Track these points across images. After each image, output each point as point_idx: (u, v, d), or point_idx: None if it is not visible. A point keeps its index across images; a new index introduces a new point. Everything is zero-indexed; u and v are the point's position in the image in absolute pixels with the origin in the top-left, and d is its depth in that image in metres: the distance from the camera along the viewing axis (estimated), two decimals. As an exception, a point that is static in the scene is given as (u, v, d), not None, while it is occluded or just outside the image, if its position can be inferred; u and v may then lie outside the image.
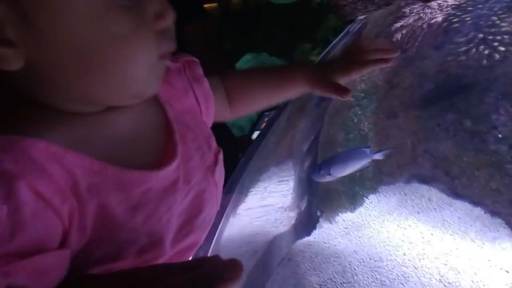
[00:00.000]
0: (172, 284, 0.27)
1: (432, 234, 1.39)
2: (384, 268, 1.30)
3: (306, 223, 1.49)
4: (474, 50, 1.29)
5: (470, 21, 1.32)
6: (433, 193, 1.51)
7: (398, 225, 1.47)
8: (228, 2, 2.41)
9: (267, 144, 1.53)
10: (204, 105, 0.51)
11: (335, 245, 1.40)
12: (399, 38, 1.63)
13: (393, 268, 1.30)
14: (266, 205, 1.38)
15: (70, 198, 0.32)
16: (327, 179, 1.34)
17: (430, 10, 1.51)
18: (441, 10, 1.46)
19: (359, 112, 1.69)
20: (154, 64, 0.36)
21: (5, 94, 0.34)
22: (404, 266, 1.28)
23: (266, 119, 1.97)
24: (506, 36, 1.22)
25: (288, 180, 1.55)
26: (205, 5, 2.31)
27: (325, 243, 1.41)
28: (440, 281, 1.22)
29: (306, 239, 1.42)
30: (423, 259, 1.29)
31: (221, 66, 1.70)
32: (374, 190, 1.59)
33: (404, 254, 1.31)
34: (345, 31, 1.97)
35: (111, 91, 0.35)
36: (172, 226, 0.41)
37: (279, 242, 1.37)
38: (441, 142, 1.46)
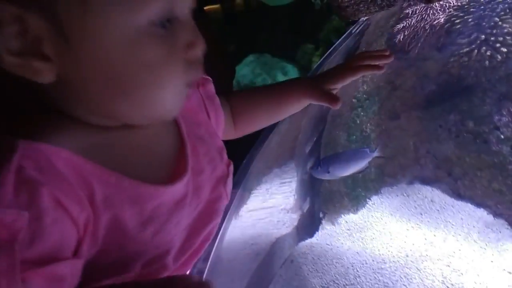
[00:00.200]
0: None
1: (434, 236, 1.39)
2: (387, 270, 1.30)
3: (308, 225, 1.49)
4: (476, 51, 1.29)
5: (472, 22, 1.32)
6: (435, 194, 1.50)
7: (401, 227, 1.47)
8: (231, 4, 2.41)
9: (269, 145, 1.54)
10: (214, 122, 0.51)
11: (337, 247, 1.40)
12: (401, 39, 1.63)
13: (395, 270, 1.30)
14: (268, 207, 1.39)
15: (87, 208, 0.32)
16: (326, 177, 1.34)
17: (432, 11, 1.51)
18: (443, 11, 1.46)
19: (362, 113, 1.70)
20: (180, 91, 0.37)
21: (31, 100, 0.34)
22: (407, 268, 1.29)
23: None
24: (508, 37, 1.22)
25: (290, 181, 1.56)
26: (208, 7, 2.31)
27: (328, 244, 1.41)
28: (443, 282, 1.22)
29: (308, 240, 1.43)
30: (426, 260, 1.29)
31: (223, 68, 1.70)
32: (376, 191, 1.59)
33: (407, 256, 1.31)
34: (347, 32, 1.97)
35: (134, 112, 0.36)
36: (179, 239, 0.41)
37: (281, 244, 1.38)
38: (443, 143, 1.46)
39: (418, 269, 1.28)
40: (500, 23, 1.25)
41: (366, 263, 1.32)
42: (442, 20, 1.42)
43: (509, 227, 1.32)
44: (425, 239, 1.38)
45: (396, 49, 1.63)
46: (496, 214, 1.36)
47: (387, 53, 0.57)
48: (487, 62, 1.28)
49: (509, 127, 1.31)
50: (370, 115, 1.67)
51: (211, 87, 0.52)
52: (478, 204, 1.39)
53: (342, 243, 1.42)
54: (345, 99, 1.64)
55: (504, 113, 1.31)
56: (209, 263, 0.81)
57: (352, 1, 1.93)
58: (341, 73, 0.56)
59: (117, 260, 0.35)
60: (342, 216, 1.51)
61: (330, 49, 1.98)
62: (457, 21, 1.36)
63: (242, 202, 1.25)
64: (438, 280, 1.23)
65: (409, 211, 1.49)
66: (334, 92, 0.57)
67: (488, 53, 1.26)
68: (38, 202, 0.29)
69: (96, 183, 0.33)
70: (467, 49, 1.32)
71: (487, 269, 1.21)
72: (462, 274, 1.22)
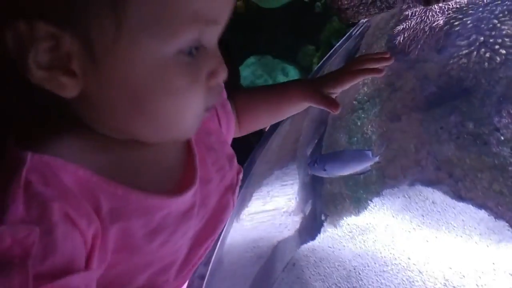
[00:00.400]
0: None
1: (436, 237, 1.39)
2: (389, 273, 1.31)
3: (310, 227, 1.49)
4: (475, 53, 1.29)
5: (471, 24, 1.32)
6: (437, 196, 1.50)
7: (403, 229, 1.47)
8: (231, 6, 2.41)
9: (271, 147, 1.54)
10: (225, 127, 0.52)
11: (339, 250, 1.40)
12: (401, 41, 1.63)
13: (397, 273, 1.30)
14: (269, 210, 1.39)
15: (95, 221, 0.33)
16: (322, 174, 1.34)
17: (431, 13, 1.51)
18: (442, 13, 1.46)
19: (363, 115, 1.70)
20: (199, 115, 0.37)
21: (42, 107, 0.35)
22: (409, 270, 1.29)
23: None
24: (506, 39, 1.22)
25: (292, 184, 1.56)
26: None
27: (330, 247, 1.41)
28: (445, 285, 1.22)
29: (310, 243, 1.43)
30: (428, 262, 1.29)
31: (229, 69, 1.70)
32: (378, 193, 1.59)
33: (409, 258, 1.31)
34: (347, 34, 1.97)
35: (151, 132, 0.36)
36: (184, 250, 0.42)
37: (283, 247, 1.38)
38: (444, 144, 1.46)
39: (420, 272, 1.28)
40: (498, 25, 1.25)
41: (368, 266, 1.32)
42: (441, 22, 1.42)
43: (510, 229, 1.32)
44: (427, 241, 1.38)
45: (396, 51, 1.63)
46: (497, 216, 1.36)
47: (386, 56, 0.56)
48: (486, 64, 1.28)
49: (509, 129, 1.31)
50: (371, 117, 1.67)
51: (223, 93, 0.52)
52: (479, 206, 1.39)
53: (344, 246, 1.42)
54: (345, 101, 1.64)
55: (504, 114, 1.31)
56: (210, 267, 0.81)
57: (352, 3, 1.93)
58: (340, 77, 0.56)
59: (124, 272, 0.35)
60: (344, 218, 1.52)
61: (331, 51, 1.98)
62: (456, 23, 1.36)
63: (243, 205, 1.26)
64: (440, 283, 1.23)
65: (411, 213, 1.49)
66: (334, 96, 0.57)
67: (487, 55, 1.26)
68: (48, 217, 0.29)
69: (102, 196, 0.33)
70: (466, 51, 1.32)
71: (489, 271, 1.21)
72: (463, 276, 1.22)
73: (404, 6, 1.72)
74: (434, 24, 1.49)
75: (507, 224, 1.35)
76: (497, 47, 1.24)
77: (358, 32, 1.93)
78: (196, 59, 0.34)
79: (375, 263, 1.33)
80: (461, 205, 1.44)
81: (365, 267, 1.32)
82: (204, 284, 0.73)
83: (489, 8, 1.30)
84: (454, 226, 1.41)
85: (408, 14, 1.65)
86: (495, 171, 1.34)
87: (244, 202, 1.29)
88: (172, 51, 0.32)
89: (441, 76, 1.46)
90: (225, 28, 0.36)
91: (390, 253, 1.36)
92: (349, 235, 1.48)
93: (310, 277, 1.29)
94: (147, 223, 0.36)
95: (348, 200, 1.58)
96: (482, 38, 1.28)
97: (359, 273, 1.30)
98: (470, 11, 1.35)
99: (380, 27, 1.80)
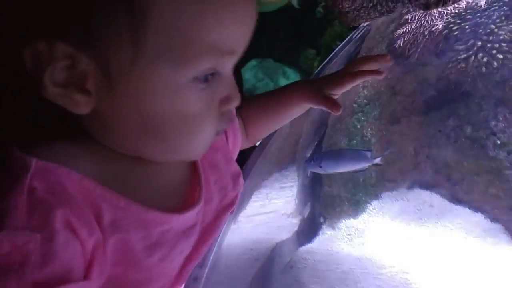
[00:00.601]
0: None
1: (433, 240, 1.40)
2: (387, 275, 1.31)
3: (309, 230, 1.50)
4: (473, 57, 1.30)
5: (469, 29, 1.33)
6: (434, 199, 1.51)
7: (401, 231, 1.48)
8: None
9: (270, 150, 1.55)
10: (232, 144, 0.51)
11: (337, 252, 1.41)
12: (401, 45, 1.64)
13: (395, 275, 1.31)
14: (268, 212, 1.40)
15: (96, 231, 0.32)
16: (318, 170, 1.34)
17: (431, 18, 1.52)
18: (441, 18, 1.47)
19: (362, 118, 1.71)
20: (209, 138, 0.37)
21: (50, 115, 0.34)
22: (406, 273, 1.29)
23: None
24: (504, 44, 1.23)
25: (291, 186, 1.57)
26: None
27: (328, 250, 1.42)
28: (441, 286, 1.23)
29: (309, 245, 1.44)
30: (425, 265, 1.30)
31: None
32: (377, 196, 1.60)
33: (406, 261, 1.32)
34: (348, 37, 1.99)
35: (161, 153, 0.36)
36: (177, 267, 0.42)
37: (281, 249, 1.39)
38: (442, 148, 1.47)
39: (417, 274, 1.29)
40: (496, 30, 1.26)
41: (366, 269, 1.33)
42: (440, 26, 1.43)
43: (506, 232, 1.33)
44: (425, 244, 1.39)
45: (396, 54, 1.64)
46: (493, 219, 1.37)
47: (387, 58, 0.56)
48: (483, 68, 1.29)
49: (505, 133, 1.32)
50: (371, 120, 1.68)
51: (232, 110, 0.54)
52: (476, 209, 1.39)
53: (342, 248, 1.43)
54: (346, 104, 1.65)
55: (501, 118, 1.32)
56: (207, 269, 0.82)
57: (353, 7, 1.94)
58: (340, 79, 0.56)
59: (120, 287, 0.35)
60: (343, 221, 1.52)
61: (331, 55, 1.99)
62: (455, 27, 1.38)
63: (241, 208, 1.27)
64: (436, 285, 1.24)
65: (409, 216, 1.50)
66: (335, 97, 0.56)
67: (485, 59, 1.27)
68: (51, 224, 0.29)
69: (105, 206, 0.33)
70: (465, 55, 1.33)
71: (485, 274, 1.22)
72: (461, 278, 1.23)
73: (404, 10, 1.73)
74: (433, 29, 1.50)
75: (503, 227, 1.35)
76: (494, 52, 1.25)
77: (358, 36, 1.95)
78: (211, 86, 0.34)
79: (372, 266, 1.34)
80: (458, 208, 1.45)
81: (362, 269, 1.33)
82: (200, 287, 0.74)
83: (486, 13, 1.31)
84: (451, 229, 1.41)
85: (408, 18, 1.66)
86: (492, 175, 1.35)
87: (242, 204, 1.30)
88: (188, 78, 0.32)
89: (440, 80, 1.47)
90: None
91: (388, 256, 1.37)
92: (347, 238, 1.49)
93: (307, 280, 1.29)
94: (146, 237, 0.35)
95: (346, 203, 1.59)
96: (480, 43, 1.29)
97: (357, 276, 1.31)
98: (468, 16, 1.36)
99: (380, 31, 1.81)
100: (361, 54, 1.83)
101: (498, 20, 1.27)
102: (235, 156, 0.53)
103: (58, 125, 0.35)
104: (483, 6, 1.33)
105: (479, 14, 1.32)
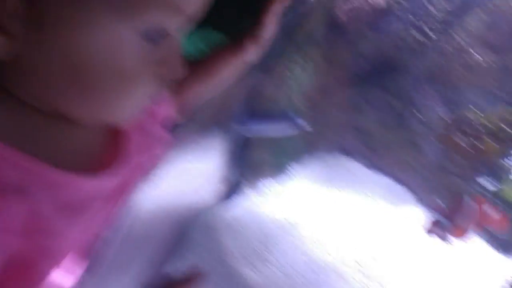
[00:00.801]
0: None
1: (349, 203, 1.48)
2: (304, 236, 1.36)
3: (231, 192, 1.48)
4: (407, 35, 1.32)
5: (407, 7, 1.34)
6: (353, 165, 1.58)
7: (320, 195, 1.53)
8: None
9: (196, 113, 1.45)
10: (164, 109, 0.49)
11: (258, 213, 1.41)
12: (344, 19, 1.61)
13: (312, 235, 1.36)
14: (190, 175, 1.33)
15: (8, 194, 0.30)
16: (244, 131, 1.32)
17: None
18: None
19: (294, 86, 1.67)
20: (141, 102, 0.35)
21: None
22: (323, 233, 1.35)
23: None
24: (437, 24, 1.26)
25: (215, 149, 1.51)
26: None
27: (248, 210, 1.42)
28: (351, 244, 1.32)
29: (228, 206, 1.42)
30: (340, 224, 1.37)
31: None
32: (299, 160, 1.62)
33: (324, 221, 1.38)
34: (289, 8, 1.88)
35: (86, 113, 0.33)
36: (86, 237, 0.39)
37: (201, 210, 1.35)
38: (368, 118, 1.52)
39: (332, 233, 1.35)
40: (433, 10, 1.28)
41: (285, 230, 1.36)
42: (383, 3, 1.42)
43: (411, 196, 1.47)
44: (341, 206, 1.46)
45: (336, 27, 1.62)
46: (403, 184, 1.49)
47: None
48: (416, 46, 1.32)
49: (427, 107, 1.39)
50: (303, 88, 1.66)
51: (170, 75, 0.49)
52: (388, 175, 1.51)
53: (262, 211, 1.44)
54: (279, 70, 1.60)
55: (423, 93, 1.39)
56: (119, 232, 0.74)
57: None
58: (257, 22, 0.53)
59: (26, 258, 0.32)
60: (264, 183, 1.53)
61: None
62: (395, 5, 1.37)
63: (162, 170, 1.17)
64: (347, 242, 1.32)
65: (328, 180, 1.56)
66: (258, 41, 0.53)
67: (418, 37, 1.30)
68: None
69: (7, 166, 0.31)
70: (400, 32, 1.34)
71: (390, 232, 1.34)
72: (370, 235, 1.33)
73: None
74: (375, 5, 1.48)
75: (410, 191, 1.49)
76: (427, 30, 1.27)
77: (300, 8, 1.86)
78: (155, 47, 0.32)
79: (291, 227, 1.37)
80: (375, 175, 1.55)
81: (282, 231, 1.36)
82: (111, 249, 0.66)
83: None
84: (365, 193, 1.51)
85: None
86: (407, 144, 1.44)
87: (163, 167, 1.20)
88: (131, 31, 0.30)
89: (374, 53, 1.49)
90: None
91: (307, 217, 1.41)
92: (267, 199, 1.50)
93: (227, 240, 1.28)
94: (59, 201, 0.33)
95: (270, 166, 1.58)
96: (415, 22, 1.31)
97: (276, 237, 1.33)
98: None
99: (323, 4, 1.75)
100: (302, 25, 1.76)
101: (436, 1, 1.28)
102: (166, 122, 0.50)
103: None
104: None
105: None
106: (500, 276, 1.14)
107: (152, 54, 0.32)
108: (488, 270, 1.20)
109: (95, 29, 0.29)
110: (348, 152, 1.61)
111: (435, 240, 1.09)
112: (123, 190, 0.41)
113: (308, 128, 1.26)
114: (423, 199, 1.45)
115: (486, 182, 1.30)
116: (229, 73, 0.57)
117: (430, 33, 1.27)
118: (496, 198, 1.17)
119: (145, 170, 0.44)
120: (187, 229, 1.33)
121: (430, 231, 1.02)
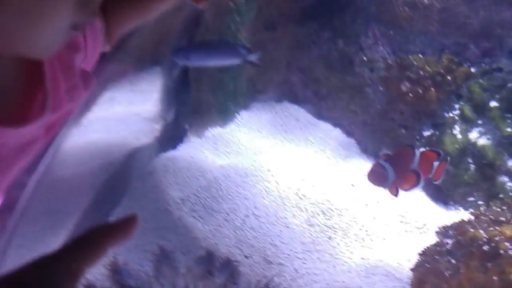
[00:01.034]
0: None
1: (295, 152, 1.45)
2: (249, 184, 1.31)
3: (171, 136, 1.37)
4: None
5: None
6: (301, 113, 1.54)
7: (266, 143, 1.48)
8: None
9: (127, 48, 1.30)
10: (91, 43, 0.46)
11: (202, 160, 1.34)
12: None
13: (256, 183, 1.32)
14: (125, 115, 1.21)
15: None
16: (186, 62, 1.21)
17: None
18: None
19: (237, 19, 1.56)
20: (63, 31, 0.32)
21: None
22: (267, 181, 1.32)
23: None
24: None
25: (153, 88, 1.39)
26: None
27: (192, 157, 1.33)
28: (296, 194, 1.29)
29: (170, 152, 1.33)
30: (285, 174, 1.34)
31: None
32: (246, 106, 1.55)
33: (269, 170, 1.34)
34: None
35: (1, 41, 0.30)
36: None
37: (139, 154, 1.24)
38: (314, 61, 1.47)
39: (277, 182, 1.32)
40: None
41: (230, 177, 1.30)
42: None
43: (357, 146, 1.46)
44: (287, 154, 1.42)
45: None
46: (349, 134, 1.47)
47: None
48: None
49: (372, 49, 1.37)
50: (246, 22, 1.56)
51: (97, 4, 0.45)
52: (335, 124, 1.49)
53: (207, 157, 1.36)
54: (222, 1, 1.48)
55: (370, 35, 1.36)
56: (37, 176, 0.63)
57: None
58: None
59: None
60: (209, 129, 1.44)
61: None
62: None
63: (86, 108, 1.04)
64: (293, 192, 1.29)
65: (275, 128, 1.51)
66: None
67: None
68: None
69: None
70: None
71: (336, 182, 1.32)
72: (313, 185, 1.31)
73: None
74: None
75: (356, 141, 1.47)
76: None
77: None
78: None
79: (236, 174, 1.32)
80: (321, 123, 1.52)
81: (226, 177, 1.29)
82: (25, 194, 0.56)
83: None
84: (312, 142, 1.48)
85: None
86: (354, 91, 1.42)
87: (88, 105, 1.06)
88: None
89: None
90: None
91: (252, 165, 1.36)
92: (213, 146, 1.42)
93: (167, 186, 1.20)
94: None
95: (215, 111, 1.49)
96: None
97: (220, 184, 1.27)
98: None
99: None
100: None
101: None
102: (94, 58, 0.48)
103: None
104: None
105: None
106: (434, 224, 1.17)
107: None
108: (424, 219, 1.23)
109: None
110: (297, 101, 1.56)
111: (381, 191, 1.08)
112: (47, 134, 0.38)
113: (252, 58, 1.17)
114: (369, 150, 1.45)
115: (428, 133, 1.32)
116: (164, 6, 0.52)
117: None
118: (438, 148, 1.18)
119: (69, 111, 0.41)
120: (127, 177, 1.22)
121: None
